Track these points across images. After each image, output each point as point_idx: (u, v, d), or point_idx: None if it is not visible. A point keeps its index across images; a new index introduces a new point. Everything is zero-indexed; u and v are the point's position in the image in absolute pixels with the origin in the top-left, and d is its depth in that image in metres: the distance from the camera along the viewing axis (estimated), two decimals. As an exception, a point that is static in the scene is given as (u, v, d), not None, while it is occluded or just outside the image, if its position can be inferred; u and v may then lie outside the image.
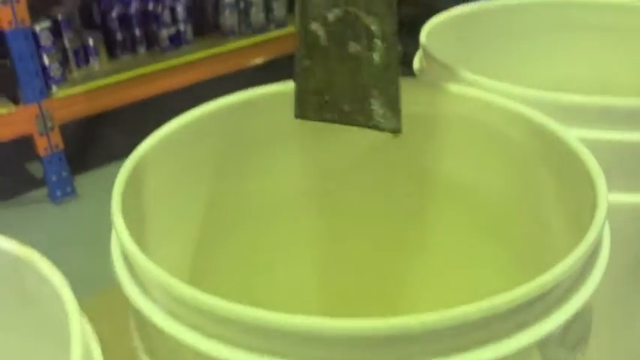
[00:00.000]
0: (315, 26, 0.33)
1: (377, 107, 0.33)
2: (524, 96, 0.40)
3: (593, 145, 0.34)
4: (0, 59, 1.81)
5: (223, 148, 0.42)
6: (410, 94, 0.35)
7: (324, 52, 0.33)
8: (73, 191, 1.88)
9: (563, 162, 0.35)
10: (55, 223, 1.76)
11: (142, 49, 2.01)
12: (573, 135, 0.35)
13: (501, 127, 0.39)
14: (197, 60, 2.02)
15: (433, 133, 0.42)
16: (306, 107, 0.33)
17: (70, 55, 1.86)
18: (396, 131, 0.33)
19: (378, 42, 0.32)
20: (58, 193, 1.85)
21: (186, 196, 0.42)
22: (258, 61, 2.15)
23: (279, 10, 2.15)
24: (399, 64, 0.33)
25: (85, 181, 1.94)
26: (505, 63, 0.60)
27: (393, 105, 0.33)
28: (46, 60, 1.75)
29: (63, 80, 1.81)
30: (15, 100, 1.72)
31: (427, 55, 0.49)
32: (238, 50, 2.09)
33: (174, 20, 2.00)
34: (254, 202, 0.45)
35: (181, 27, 2.02)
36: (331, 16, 0.33)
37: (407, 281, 0.50)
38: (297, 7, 0.34)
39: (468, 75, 0.43)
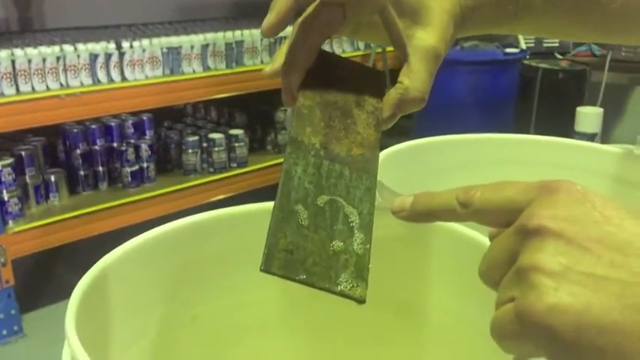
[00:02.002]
0: (299, 208, 0.35)
1: (346, 276, 0.33)
2: None
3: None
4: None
5: (176, 270, 0.43)
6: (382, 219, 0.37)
7: (300, 225, 0.34)
8: (20, 330, 1.79)
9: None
10: (-3, 365, 1.66)
11: (103, 186, 2.04)
12: None
13: (441, 247, 0.42)
14: (158, 195, 2.05)
15: (407, 261, 0.44)
16: (272, 263, 0.33)
17: (30, 191, 1.87)
18: (361, 301, 0.33)
19: (356, 231, 0.35)
20: (4, 332, 1.76)
21: (140, 316, 0.41)
22: (219, 197, 2.19)
23: (240, 150, 2.23)
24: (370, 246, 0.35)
25: (33, 320, 1.86)
26: None
27: (363, 277, 0.34)
28: (5, 195, 1.75)
29: (20, 215, 1.80)
30: (-31, 235, 1.70)
31: (380, 188, 0.52)
32: (199, 187, 2.14)
33: (138, 158, 2.06)
34: (210, 323, 0.45)
35: (144, 164, 2.07)
36: (319, 202, 0.35)
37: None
38: (281, 187, 0.35)
39: None
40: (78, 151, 1.98)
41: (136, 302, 0.41)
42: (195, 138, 2.17)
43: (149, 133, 2.11)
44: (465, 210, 0.32)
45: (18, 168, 1.81)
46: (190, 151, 2.16)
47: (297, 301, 0.48)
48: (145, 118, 2.10)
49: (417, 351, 0.47)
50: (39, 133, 1.98)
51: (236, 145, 2.23)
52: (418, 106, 0.42)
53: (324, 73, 0.42)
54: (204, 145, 2.19)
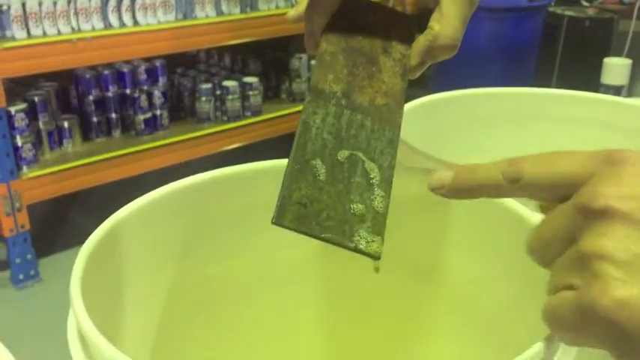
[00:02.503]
0: (315, 160, 0.33)
1: (362, 231, 0.32)
2: None
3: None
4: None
5: (189, 228, 0.42)
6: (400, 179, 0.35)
7: (316, 178, 0.33)
8: (37, 275, 1.82)
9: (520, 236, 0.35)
10: (16, 308, 1.69)
11: (116, 133, 2.03)
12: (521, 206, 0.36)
13: (490, 218, 0.40)
14: (171, 144, 2.03)
15: (425, 223, 0.42)
16: (285, 215, 0.31)
17: (44, 137, 1.86)
18: (376, 257, 0.31)
19: (375, 187, 0.33)
20: (21, 277, 1.79)
21: (150, 275, 0.40)
22: (233, 146, 2.17)
23: (254, 98, 2.20)
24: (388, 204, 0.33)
25: (49, 265, 1.88)
26: (475, 151, 0.61)
27: (380, 232, 0.32)
28: (19, 141, 1.75)
29: (34, 161, 1.80)
30: (-17, 180, 1.70)
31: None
32: (213, 135, 2.12)
33: (151, 105, 2.03)
34: (222, 283, 0.43)
35: (157, 112, 2.05)
36: (338, 155, 0.34)
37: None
38: (297, 137, 0.34)
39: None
40: (90, 98, 1.96)
41: (146, 261, 0.40)
42: (209, 85, 2.14)
43: (162, 80, 2.08)
44: (513, 185, 0.29)
45: (31, 113, 1.80)
46: (204, 98, 2.13)
47: (312, 261, 0.47)
48: (157, 64, 2.06)
49: (433, 316, 0.46)
50: (51, 79, 1.96)
51: (250, 93, 2.19)
52: (449, 54, 0.39)
53: (350, 17, 0.40)
54: (218, 92, 2.16)
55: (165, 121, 2.08)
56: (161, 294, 0.41)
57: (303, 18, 0.39)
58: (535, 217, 0.35)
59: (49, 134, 1.88)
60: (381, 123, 0.36)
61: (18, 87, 1.89)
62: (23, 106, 1.76)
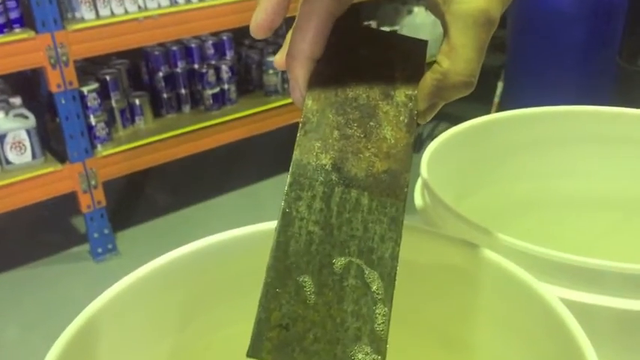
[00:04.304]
0: (299, 263, 0.28)
1: (358, 353, 0.26)
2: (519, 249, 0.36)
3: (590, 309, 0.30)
4: (51, 118, 1.88)
5: (187, 299, 0.38)
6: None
7: (299, 288, 0.27)
8: (115, 248, 1.89)
9: (552, 326, 0.31)
10: (95, 280, 1.77)
11: (186, 108, 2.05)
12: (555, 295, 0.31)
13: (493, 285, 0.35)
14: (240, 118, 2.03)
15: (425, 283, 0.37)
16: (262, 346, 0.26)
17: (117, 115, 1.91)
18: None
19: (375, 297, 0.27)
20: (100, 250, 1.86)
21: (148, 351, 0.38)
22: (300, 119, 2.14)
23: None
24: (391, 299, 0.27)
25: (126, 239, 1.95)
26: (524, 177, 0.55)
27: (380, 351, 0.27)
28: (92, 120, 1.80)
29: (108, 139, 1.85)
30: (62, 159, 1.77)
31: (427, 188, 0.44)
32: (281, 108, 2.10)
33: (219, 80, 2.04)
34: (226, 349, 0.40)
35: (225, 86, 2.05)
36: (329, 258, 0.28)
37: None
38: (276, 235, 0.28)
39: (467, 222, 0.38)
40: (160, 74, 1.98)
41: (143, 336, 0.37)
42: (276, 58, 2.11)
43: (229, 54, 2.07)
44: None
45: (103, 93, 1.84)
46: (271, 71, 2.11)
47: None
48: (224, 38, 2.05)
49: None
50: (121, 56, 1.99)
51: (318, 64, 2.15)
52: (463, 92, 0.31)
53: (342, 55, 0.32)
54: (285, 64, 2.12)
55: (233, 95, 2.08)
56: None
57: (285, 68, 0.33)
58: (569, 315, 0.30)
59: (121, 112, 1.92)
60: (381, 197, 0.30)
61: (90, 66, 1.94)
62: (95, 85, 1.80)
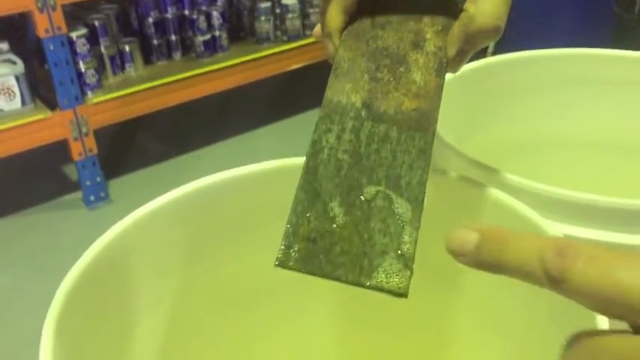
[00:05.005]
0: (327, 185, 0.29)
1: (383, 265, 0.27)
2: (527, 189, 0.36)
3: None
4: (39, 65, 1.84)
5: (197, 233, 0.39)
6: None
7: (327, 207, 0.28)
8: (107, 196, 1.89)
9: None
10: (88, 228, 1.78)
11: (177, 55, 2.02)
12: (560, 232, 0.32)
13: (497, 222, 0.36)
14: (232, 66, 2.01)
15: (426, 221, 0.38)
16: (290, 256, 0.27)
17: (106, 61, 1.88)
18: (401, 295, 0.26)
19: (402, 219, 0.28)
20: (92, 198, 1.87)
21: (157, 283, 0.38)
22: (293, 67, 2.12)
23: (315, 16, 2.12)
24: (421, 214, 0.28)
25: (118, 187, 1.95)
26: (525, 118, 0.55)
27: (407, 265, 0.27)
28: (82, 66, 1.77)
29: (98, 86, 1.83)
30: (51, 106, 1.75)
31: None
32: (273, 56, 2.08)
33: (210, 26, 2.00)
34: (234, 285, 0.41)
35: (217, 33, 2.01)
36: (358, 179, 0.29)
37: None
38: (306, 161, 0.29)
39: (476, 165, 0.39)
40: (150, 20, 1.94)
41: (152, 271, 0.38)
42: (268, 4, 2.07)
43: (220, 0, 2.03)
44: (553, 285, 0.21)
45: (92, 38, 1.81)
46: (263, 18, 2.07)
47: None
48: (215, -18, 2.01)
49: (454, 322, 0.42)
50: (110, 1, 1.95)
51: (310, 11, 2.11)
52: (491, 38, 0.32)
53: (374, 9, 0.34)
54: (277, 11, 2.09)
55: (225, 42, 2.04)
56: (169, 301, 0.39)
57: (319, 19, 0.34)
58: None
59: (111, 59, 1.89)
60: (410, 131, 0.31)
61: (78, 10, 1.89)
62: (84, 31, 1.76)
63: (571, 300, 0.21)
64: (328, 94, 0.32)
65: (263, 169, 0.40)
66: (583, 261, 0.20)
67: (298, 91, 2.34)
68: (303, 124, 2.15)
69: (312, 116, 2.10)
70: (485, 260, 0.23)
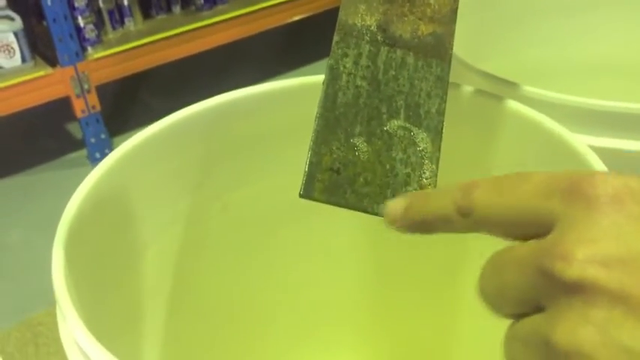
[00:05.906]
0: (348, 113, 0.28)
1: (408, 190, 0.27)
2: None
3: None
4: (37, 22, 1.81)
5: (205, 156, 0.38)
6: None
7: (349, 135, 0.28)
8: (112, 153, 1.88)
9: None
10: (94, 185, 1.77)
11: (176, 9, 1.98)
12: (584, 142, 0.31)
13: (520, 136, 0.35)
14: (232, 18, 1.97)
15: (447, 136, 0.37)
16: (314, 186, 0.27)
17: (105, 16, 1.85)
18: None
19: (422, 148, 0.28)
20: (97, 155, 1.86)
21: (164, 208, 0.37)
22: (294, 18, 2.08)
23: (316, -36, 2.07)
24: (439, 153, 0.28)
25: (123, 143, 1.94)
26: (525, 44, 0.53)
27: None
28: (80, 21, 1.74)
29: (98, 42, 1.80)
30: (52, 63, 1.73)
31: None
32: (273, 8, 2.04)
33: (209, -22, 1.96)
34: (242, 210, 0.40)
35: (216, -15, 1.97)
36: (377, 107, 0.29)
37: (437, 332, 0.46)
38: (325, 88, 0.29)
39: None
40: (148, -28, 1.90)
41: (159, 194, 0.37)
42: (268, -47, 2.02)
43: (219, -51, 1.98)
44: (465, 220, 0.22)
45: (90, -8, 1.77)
46: (263, -32, 2.02)
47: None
48: None
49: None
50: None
51: (312, -41, 2.06)
52: None
53: None
54: (278, -40, 2.04)
55: (225, -6, 2.00)
56: (177, 227, 0.39)
57: None
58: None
59: (110, 13, 1.85)
60: (427, 57, 0.30)
61: (75, -36, 1.85)
62: (81, -16, 1.73)
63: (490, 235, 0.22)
64: (342, 15, 0.31)
65: (278, 89, 0.39)
66: (482, 188, 0.22)
67: (302, 43, 2.30)
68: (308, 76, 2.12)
69: (315, 68, 2.08)
70: (413, 219, 0.25)
